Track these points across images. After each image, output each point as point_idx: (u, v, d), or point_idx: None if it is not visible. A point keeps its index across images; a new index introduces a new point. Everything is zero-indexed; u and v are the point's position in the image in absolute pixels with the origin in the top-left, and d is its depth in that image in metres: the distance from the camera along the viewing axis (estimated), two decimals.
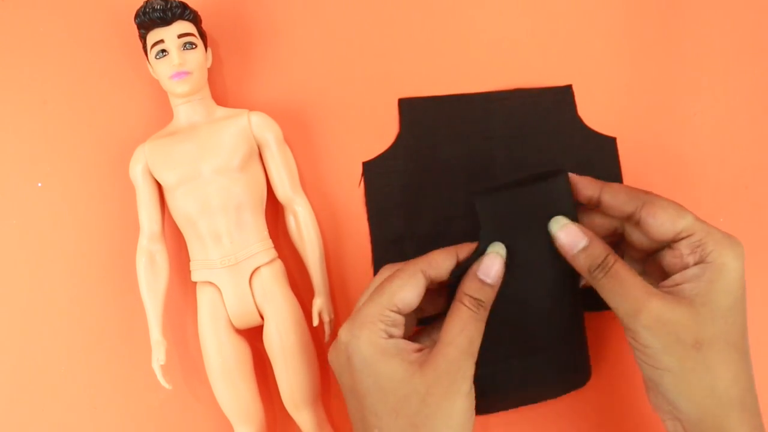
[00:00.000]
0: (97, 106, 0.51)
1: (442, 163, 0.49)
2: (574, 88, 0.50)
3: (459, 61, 0.51)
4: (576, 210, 0.41)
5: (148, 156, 0.46)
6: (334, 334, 0.48)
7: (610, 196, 0.40)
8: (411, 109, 0.50)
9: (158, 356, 0.46)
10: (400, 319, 0.39)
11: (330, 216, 0.50)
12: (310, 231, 0.48)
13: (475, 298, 0.38)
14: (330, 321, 0.47)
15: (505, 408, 0.44)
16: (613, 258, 0.38)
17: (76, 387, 0.49)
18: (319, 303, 0.47)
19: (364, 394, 0.38)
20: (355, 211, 0.50)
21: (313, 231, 0.48)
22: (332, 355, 0.40)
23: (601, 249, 0.39)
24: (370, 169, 0.50)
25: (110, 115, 0.51)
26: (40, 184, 0.50)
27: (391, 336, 0.38)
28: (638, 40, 0.51)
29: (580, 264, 0.39)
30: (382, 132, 0.50)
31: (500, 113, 0.50)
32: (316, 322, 0.47)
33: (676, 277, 0.38)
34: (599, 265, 0.38)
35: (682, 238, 0.38)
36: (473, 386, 0.38)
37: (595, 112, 0.50)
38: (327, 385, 0.49)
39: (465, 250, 0.40)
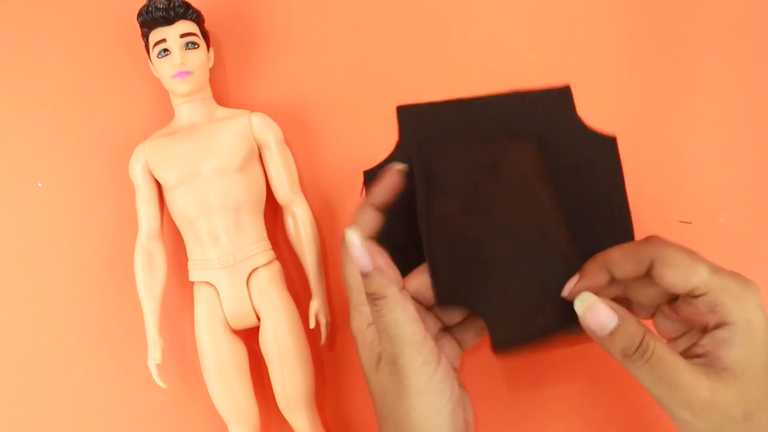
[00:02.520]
0: (98, 106, 0.51)
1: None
2: (574, 89, 0.50)
3: (460, 65, 0.51)
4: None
5: (148, 155, 0.46)
6: (330, 337, 0.48)
7: (618, 270, 0.37)
8: (410, 116, 0.50)
9: (154, 355, 0.46)
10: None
11: (329, 218, 0.50)
12: (308, 233, 0.48)
13: (367, 293, 0.36)
14: (326, 324, 0.47)
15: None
16: (652, 340, 0.34)
17: (76, 387, 0.49)
18: (315, 305, 0.47)
19: (359, 349, 0.39)
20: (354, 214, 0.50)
21: (312, 233, 0.48)
22: None
23: (636, 329, 0.34)
24: (371, 177, 0.50)
25: (110, 115, 0.51)
26: (40, 184, 0.50)
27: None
28: (638, 40, 0.51)
29: (614, 347, 0.35)
30: (383, 135, 0.50)
31: (498, 116, 0.50)
32: (312, 325, 0.47)
33: (704, 343, 0.35)
34: (637, 349, 0.34)
35: (698, 296, 0.35)
36: (425, 351, 0.36)
37: (595, 113, 0.50)
38: (322, 388, 0.49)
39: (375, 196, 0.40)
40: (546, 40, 0.51)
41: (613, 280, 0.37)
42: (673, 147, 0.50)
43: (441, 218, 0.42)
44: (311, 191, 0.50)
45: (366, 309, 0.38)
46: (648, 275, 0.36)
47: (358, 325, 0.38)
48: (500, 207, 0.41)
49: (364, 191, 0.50)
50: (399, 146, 0.50)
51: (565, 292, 0.37)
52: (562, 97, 0.50)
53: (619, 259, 0.37)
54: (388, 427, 0.37)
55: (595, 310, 0.35)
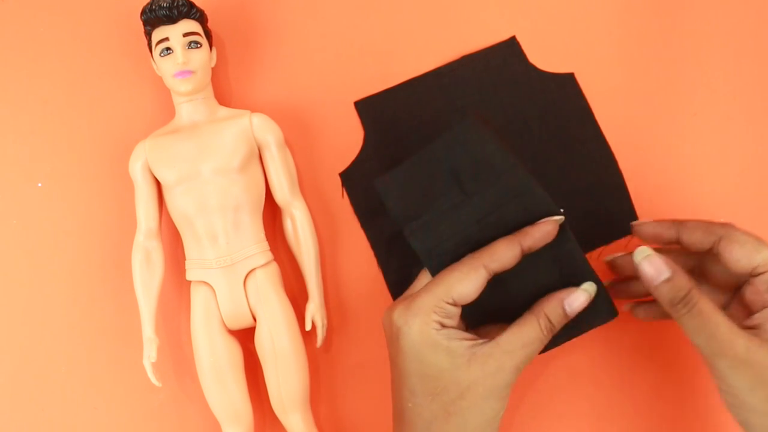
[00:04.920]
0: (98, 105, 0.51)
1: (415, 150, 0.49)
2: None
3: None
4: (499, 152, 0.41)
5: (149, 153, 0.46)
6: (326, 339, 0.48)
7: (687, 234, 0.40)
8: (369, 108, 0.50)
9: (149, 353, 0.46)
10: (455, 311, 0.40)
11: (327, 220, 0.50)
12: (306, 235, 0.48)
13: (551, 322, 0.39)
14: (323, 326, 0.47)
15: None
16: (697, 293, 0.38)
17: (76, 387, 0.49)
18: (312, 308, 0.47)
19: (405, 373, 0.39)
20: (353, 215, 0.50)
21: (310, 235, 0.48)
22: (385, 323, 0.41)
23: (684, 282, 0.38)
24: (348, 177, 0.50)
25: (110, 115, 0.51)
26: (40, 184, 0.50)
27: (443, 326, 0.39)
28: (638, 40, 0.51)
29: (663, 295, 0.39)
30: None
31: (455, 85, 0.50)
32: (308, 327, 0.47)
33: (757, 317, 0.38)
34: (682, 299, 0.38)
35: (759, 274, 0.38)
36: (510, 392, 0.39)
37: (595, 112, 0.50)
38: (317, 390, 0.48)
39: (528, 238, 0.40)
40: (547, 40, 0.51)
41: (678, 242, 0.41)
42: (673, 147, 0.50)
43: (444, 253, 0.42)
44: (311, 193, 0.50)
45: (436, 317, 0.39)
46: (714, 251, 0.39)
47: (427, 330, 0.39)
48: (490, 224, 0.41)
49: (344, 193, 0.50)
50: (366, 140, 0.50)
51: (634, 224, 0.42)
52: (510, 49, 0.50)
53: (693, 226, 0.40)
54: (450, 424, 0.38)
55: (651, 260, 0.39)
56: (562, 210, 0.41)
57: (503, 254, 0.39)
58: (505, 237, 0.40)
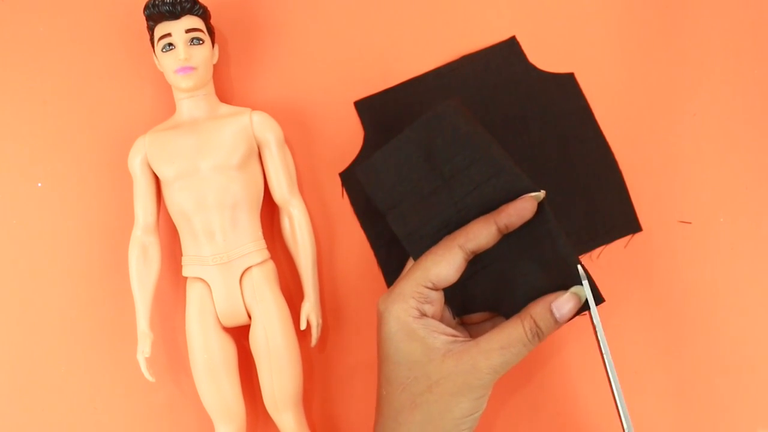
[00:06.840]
0: (97, 105, 0.51)
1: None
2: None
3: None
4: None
5: (148, 148, 0.46)
6: (321, 339, 0.48)
7: None
8: (369, 108, 0.50)
9: (143, 348, 0.45)
10: (436, 296, 0.40)
11: (327, 220, 0.50)
12: (304, 234, 0.48)
13: (538, 326, 0.38)
14: (317, 325, 0.47)
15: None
16: None
17: (75, 386, 0.49)
18: (307, 307, 0.47)
19: (384, 359, 0.40)
20: (352, 216, 0.50)
21: (307, 234, 0.48)
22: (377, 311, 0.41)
23: None
24: (348, 177, 0.50)
25: (110, 114, 0.51)
26: (40, 184, 0.50)
27: (423, 314, 0.39)
28: (638, 40, 0.51)
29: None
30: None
31: (455, 84, 0.50)
32: (303, 326, 0.47)
33: None
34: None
35: None
36: (488, 395, 0.38)
37: (595, 112, 0.50)
38: (310, 390, 0.48)
39: (504, 216, 0.39)
40: (547, 40, 0.51)
41: None
42: (673, 147, 0.50)
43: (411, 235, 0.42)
44: (310, 192, 0.50)
45: (414, 303, 0.39)
46: None
47: (405, 317, 0.39)
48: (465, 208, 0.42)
49: (344, 193, 0.50)
50: (366, 140, 0.50)
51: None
52: (510, 49, 0.50)
53: None
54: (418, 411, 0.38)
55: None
56: (543, 191, 0.40)
57: (478, 233, 0.39)
58: (481, 216, 0.40)
